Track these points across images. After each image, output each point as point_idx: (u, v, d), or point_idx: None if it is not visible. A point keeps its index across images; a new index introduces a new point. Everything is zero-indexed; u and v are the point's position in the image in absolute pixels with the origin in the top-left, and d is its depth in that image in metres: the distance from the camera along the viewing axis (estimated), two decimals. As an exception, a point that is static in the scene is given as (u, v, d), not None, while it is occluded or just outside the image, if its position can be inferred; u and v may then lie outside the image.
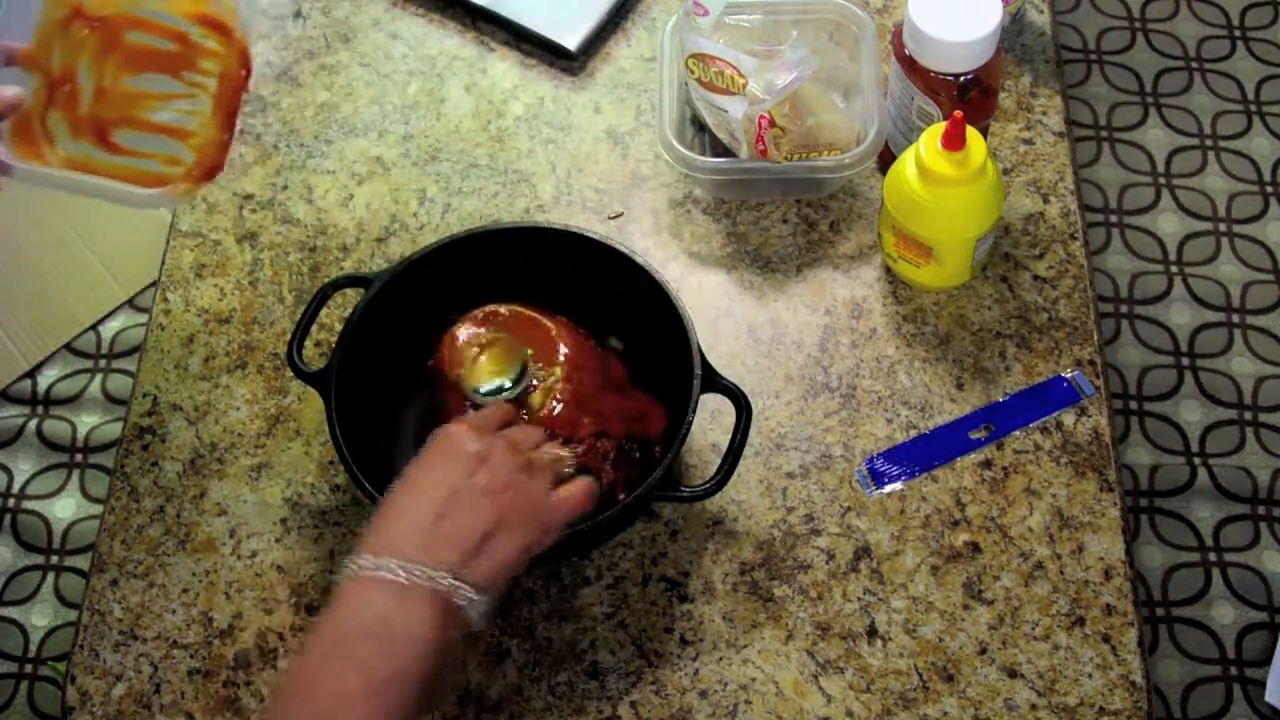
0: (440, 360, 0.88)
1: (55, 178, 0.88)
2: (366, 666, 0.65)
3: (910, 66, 0.93)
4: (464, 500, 0.70)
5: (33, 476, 1.71)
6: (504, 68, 1.12)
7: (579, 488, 0.75)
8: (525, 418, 0.84)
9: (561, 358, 0.87)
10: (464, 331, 0.88)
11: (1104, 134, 1.90)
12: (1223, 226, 1.82)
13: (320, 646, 0.66)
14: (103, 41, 0.91)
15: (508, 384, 0.85)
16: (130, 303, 1.83)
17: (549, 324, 0.88)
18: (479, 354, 0.87)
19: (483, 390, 0.85)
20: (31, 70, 0.89)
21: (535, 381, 0.86)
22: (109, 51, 0.91)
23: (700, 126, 1.04)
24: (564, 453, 0.76)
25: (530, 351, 0.87)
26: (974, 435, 0.93)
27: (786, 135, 0.96)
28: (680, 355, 0.85)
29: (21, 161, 0.88)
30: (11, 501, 1.70)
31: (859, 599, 0.87)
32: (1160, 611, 1.57)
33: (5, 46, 0.87)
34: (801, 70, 0.95)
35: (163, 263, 1.05)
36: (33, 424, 1.75)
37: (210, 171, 0.88)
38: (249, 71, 0.89)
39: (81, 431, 1.74)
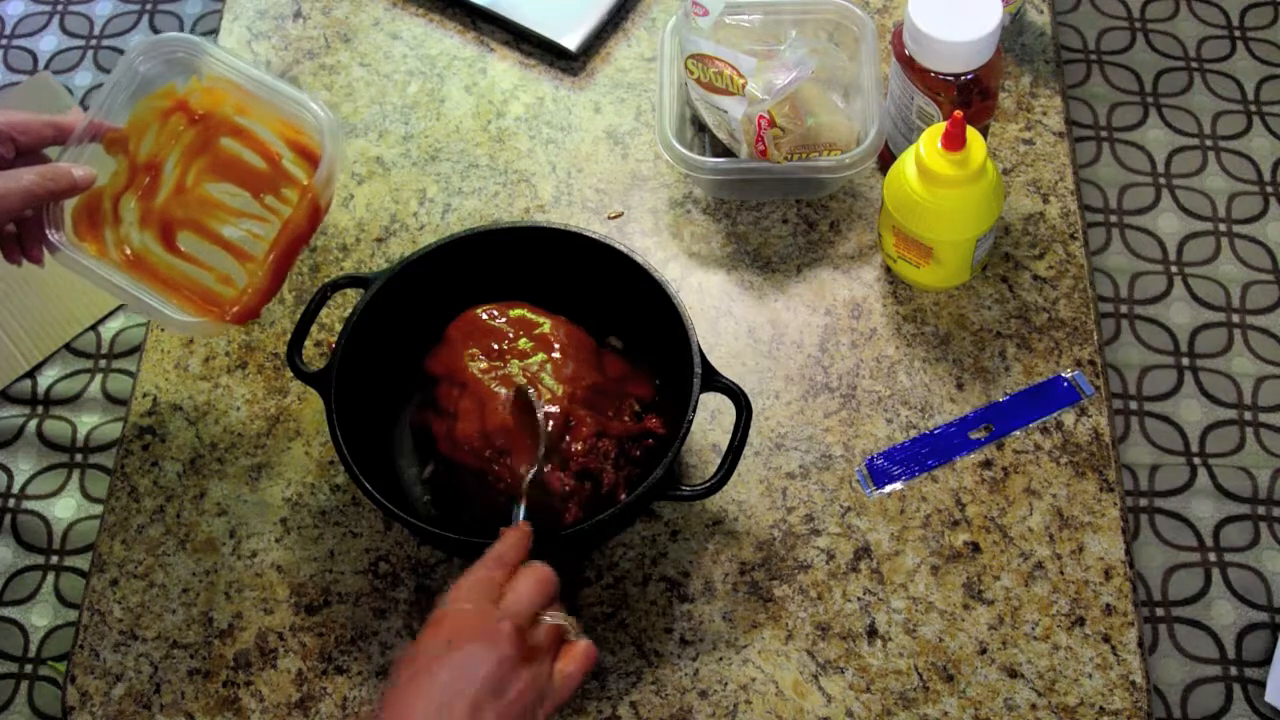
0: (434, 364, 0.88)
1: (95, 274, 0.86)
2: None
3: (910, 66, 0.93)
4: (473, 709, 0.68)
5: (33, 476, 1.71)
6: (504, 68, 1.12)
7: (578, 660, 0.73)
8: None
9: (560, 357, 0.87)
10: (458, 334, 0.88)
11: (1104, 134, 1.90)
12: (1223, 226, 1.82)
13: None
14: (198, 139, 0.90)
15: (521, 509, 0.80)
16: (130, 303, 1.83)
17: (548, 323, 0.88)
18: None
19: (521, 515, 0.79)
20: (115, 153, 0.88)
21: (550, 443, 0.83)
22: (201, 151, 0.91)
23: (700, 126, 1.04)
24: (563, 620, 0.73)
25: (549, 429, 0.83)
26: (974, 435, 0.93)
27: (786, 135, 0.96)
28: (680, 355, 0.85)
29: (75, 245, 0.86)
30: (11, 501, 1.70)
31: (859, 599, 0.87)
32: (1160, 611, 1.57)
33: (96, 124, 0.87)
34: (801, 70, 0.95)
35: (163, 263, 1.05)
36: (33, 424, 1.75)
37: (245, 316, 0.87)
38: (314, 227, 0.88)
39: (81, 431, 1.74)
